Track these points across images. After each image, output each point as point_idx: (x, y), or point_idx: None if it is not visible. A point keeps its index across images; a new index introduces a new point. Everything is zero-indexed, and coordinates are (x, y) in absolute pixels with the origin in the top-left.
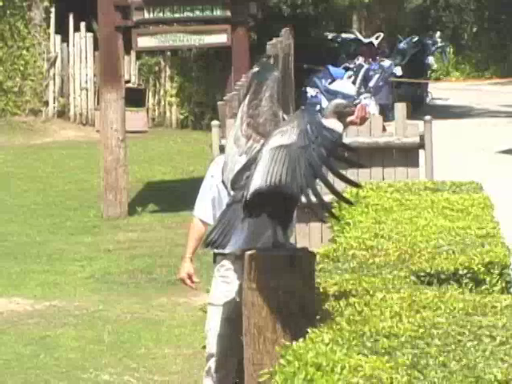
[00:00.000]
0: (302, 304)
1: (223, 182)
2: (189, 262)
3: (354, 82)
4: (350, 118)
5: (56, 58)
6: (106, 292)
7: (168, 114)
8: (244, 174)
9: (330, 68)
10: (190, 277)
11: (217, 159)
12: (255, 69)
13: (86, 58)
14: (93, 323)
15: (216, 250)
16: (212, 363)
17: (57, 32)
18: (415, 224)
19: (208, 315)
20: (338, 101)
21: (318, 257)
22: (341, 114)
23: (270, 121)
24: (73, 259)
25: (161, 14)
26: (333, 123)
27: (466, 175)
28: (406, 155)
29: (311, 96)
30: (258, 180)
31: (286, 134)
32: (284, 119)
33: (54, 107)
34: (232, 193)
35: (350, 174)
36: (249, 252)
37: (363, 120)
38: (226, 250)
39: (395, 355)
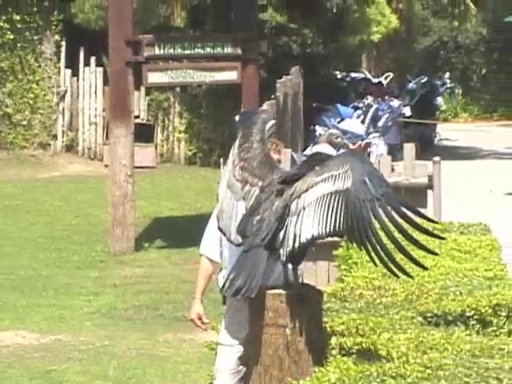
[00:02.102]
0: (310, 343)
1: (220, 229)
2: (199, 302)
3: (362, 122)
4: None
5: (66, 92)
6: (112, 327)
7: (176, 150)
8: (252, 219)
9: (339, 107)
10: (200, 317)
11: None
12: (237, 117)
13: (96, 92)
14: (98, 358)
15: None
16: None
17: (67, 66)
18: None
19: (218, 355)
20: (332, 131)
21: (325, 296)
22: (333, 144)
23: (263, 163)
24: (79, 294)
25: (171, 51)
26: (325, 148)
27: (473, 217)
28: (415, 195)
29: (320, 135)
30: (315, 228)
31: (339, 180)
32: (292, 157)
33: (63, 141)
34: (235, 239)
35: None
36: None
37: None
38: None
39: None
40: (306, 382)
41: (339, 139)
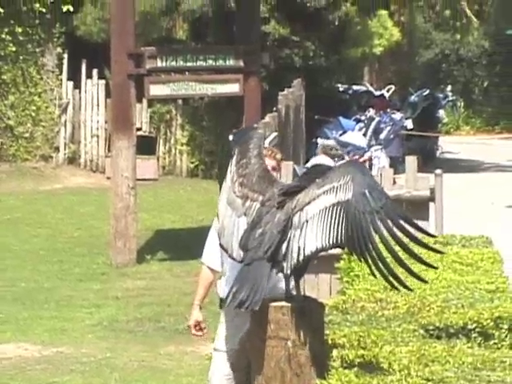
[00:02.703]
0: (311, 355)
1: (222, 245)
2: (197, 309)
3: (364, 134)
4: None
5: (68, 104)
6: (114, 339)
7: (178, 162)
8: (254, 233)
9: (341, 120)
10: (197, 324)
11: None
12: (231, 137)
13: (98, 104)
14: (100, 370)
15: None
16: None
17: (69, 78)
18: (424, 277)
19: (213, 360)
20: (326, 142)
21: (327, 308)
22: (328, 155)
23: (262, 177)
24: (81, 306)
25: (173, 63)
26: (323, 159)
27: (475, 229)
28: (417, 208)
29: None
30: (319, 240)
31: (341, 191)
32: (294, 170)
33: (65, 153)
34: (237, 255)
35: None
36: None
37: None
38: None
39: None
40: None
41: (333, 150)
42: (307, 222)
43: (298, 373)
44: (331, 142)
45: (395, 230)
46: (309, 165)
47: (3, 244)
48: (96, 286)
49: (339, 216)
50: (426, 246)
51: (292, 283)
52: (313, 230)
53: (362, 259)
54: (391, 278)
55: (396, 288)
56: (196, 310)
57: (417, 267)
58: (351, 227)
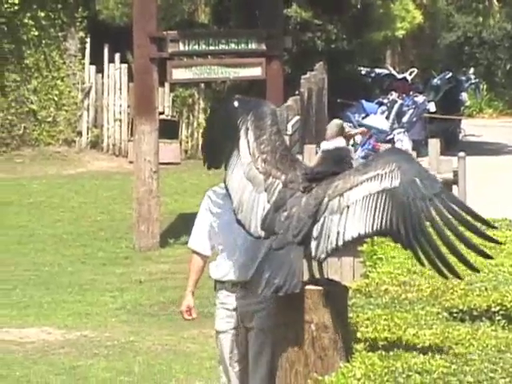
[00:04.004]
0: (335, 339)
1: (239, 220)
2: (190, 295)
3: (387, 118)
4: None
5: (90, 88)
6: (137, 323)
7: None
8: (279, 216)
9: (364, 103)
10: (189, 310)
11: (209, 193)
12: (236, 104)
13: (121, 89)
14: (123, 354)
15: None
16: None
17: (91, 63)
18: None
19: (217, 344)
20: (338, 122)
21: (350, 292)
22: (345, 136)
23: (284, 156)
24: (104, 290)
25: (196, 47)
26: (338, 142)
27: (499, 212)
28: None
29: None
30: (361, 226)
31: (386, 179)
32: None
33: (88, 138)
34: (255, 232)
35: None
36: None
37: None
38: (297, 290)
39: None
40: (332, 378)
41: (347, 129)
42: (348, 207)
43: (321, 356)
44: (339, 121)
45: (450, 217)
46: (326, 147)
47: (26, 228)
48: (119, 269)
49: (384, 203)
50: (484, 235)
51: (315, 267)
52: (355, 215)
53: (409, 247)
54: (442, 267)
55: (445, 276)
56: (189, 296)
57: (444, 250)
58: (398, 215)
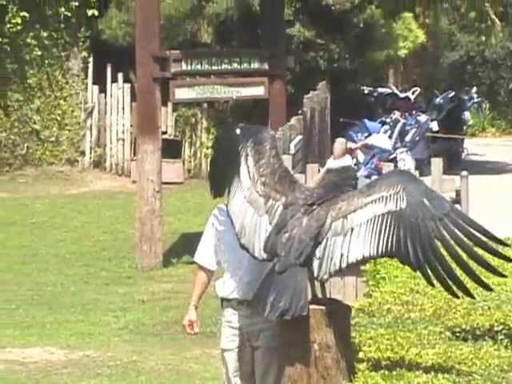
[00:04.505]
0: (338, 358)
1: (243, 245)
2: (193, 309)
3: (390, 137)
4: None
5: (93, 108)
6: (140, 343)
7: (204, 165)
8: (281, 238)
9: (367, 122)
10: (191, 324)
11: (215, 210)
12: (238, 131)
13: (123, 108)
14: (126, 374)
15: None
16: None
17: (94, 82)
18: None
19: (222, 362)
20: (342, 140)
21: (353, 311)
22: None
23: (283, 178)
24: (107, 309)
25: (198, 66)
26: (345, 160)
27: (501, 231)
28: None
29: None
30: (366, 249)
31: (392, 201)
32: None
33: (91, 157)
34: (259, 255)
35: None
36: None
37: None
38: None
39: None
40: None
41: (349, 144)
42: (352, 229)
43: (324, 375)
44: (343, 139)
45: (461, 236)
46: (333, 165)
47: (29, 248)
48: (122, 289)
49: (390, 225)
50: (496, 252)
51: (318, 287)
52: (359, 237)
53: (418, 268)
54: (454, 287)
55: (456, 296)
56: (192, 311)
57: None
58: (406, 236)
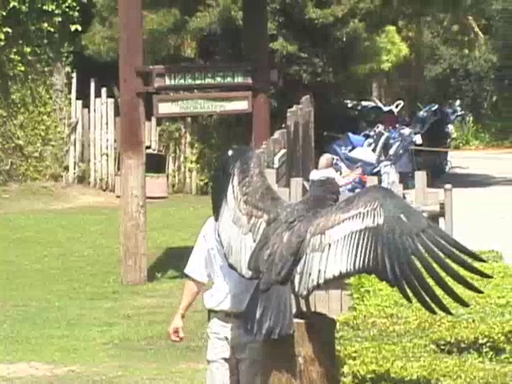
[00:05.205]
0: (322, 371)
1: (231, 265)
2: (179, 317)
3: (374, 150)
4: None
5: (77, 123)
6: (125, 358)
7: (188, 180)
8: (263, 254)
9: (350, 136)
10: (176, 331)
11: (207, 222)
12: (229, 153)
13: (107, 123)
14: None
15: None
16: None
17: (78, 98)
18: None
19: (208, 371)
20: (328, 155)
21: (338, 324)
22: (334, 167)
23: (265, 195)
24: (92, 324)
25: (182, 81)
26: (329, 172)
27: (485, 244)
28: None
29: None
30: (343, 265)
31: (369, 217)
32: (304, 186)
33: (75, 172)
34: (246, 273)
35: None
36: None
37: None
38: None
39: None
40: None
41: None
42: (329, 245)
43: None
44: (329, 155)
45: (438, 252)
46: (314, 176)
47: (14, 263)
48: (107, 304)
49: (367, 242)
50: (472, 269)
51: (302, 300)
52: (336, 254)
53: (395, 284)
54: (431, 303)
55: (433, 311)
56: (178, 319)
57: (431, 282)
58: (383, 252)
